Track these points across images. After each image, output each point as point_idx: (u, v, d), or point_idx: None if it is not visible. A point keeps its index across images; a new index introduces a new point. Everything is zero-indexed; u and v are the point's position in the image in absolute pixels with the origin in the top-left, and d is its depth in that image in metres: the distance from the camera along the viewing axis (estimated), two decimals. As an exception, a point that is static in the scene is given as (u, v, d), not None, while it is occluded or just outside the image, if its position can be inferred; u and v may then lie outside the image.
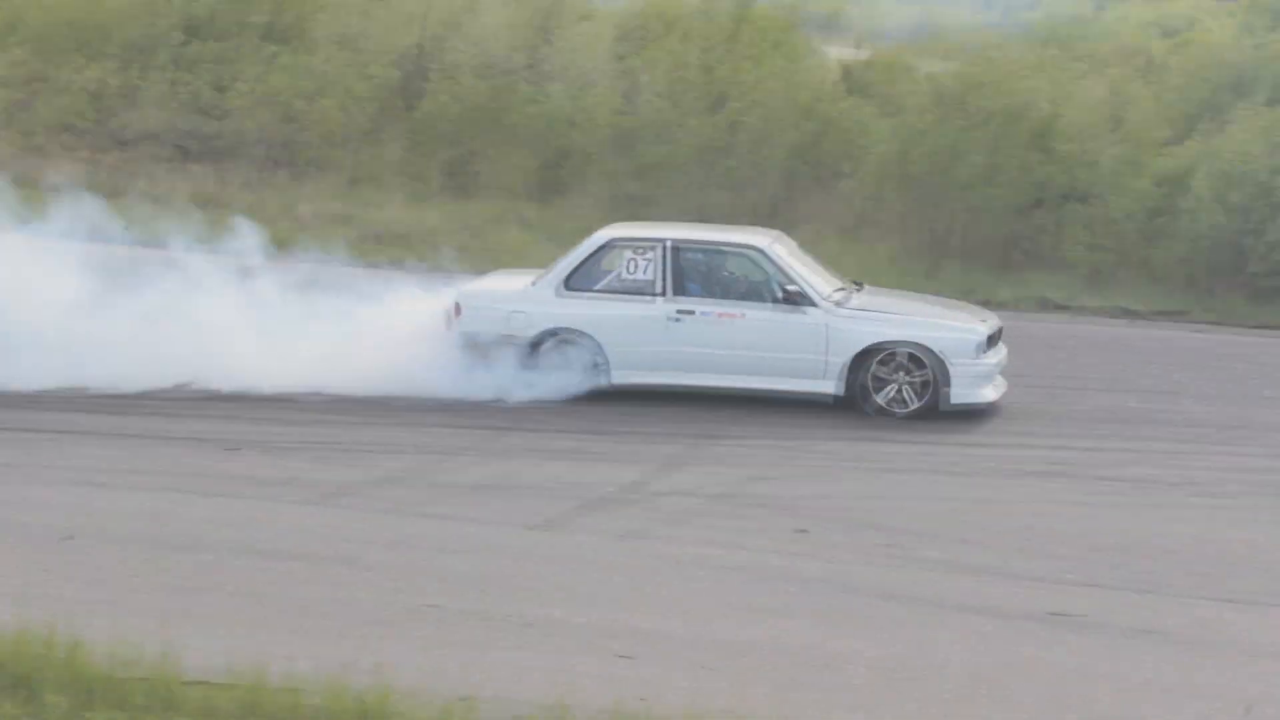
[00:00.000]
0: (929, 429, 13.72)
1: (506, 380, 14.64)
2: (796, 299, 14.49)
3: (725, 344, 14.59)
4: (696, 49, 23.34)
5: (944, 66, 23.56)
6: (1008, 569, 10.34)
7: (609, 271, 14.92)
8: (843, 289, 14.99)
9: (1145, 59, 24.11)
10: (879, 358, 14.30)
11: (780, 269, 14.71)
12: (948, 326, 14.74)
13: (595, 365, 14.68)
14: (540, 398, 14.51)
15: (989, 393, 14.54)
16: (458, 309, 14.84)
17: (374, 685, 7.21)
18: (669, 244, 14.84)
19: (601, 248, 15.04)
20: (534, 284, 15.07)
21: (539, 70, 23.86)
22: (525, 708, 7.37)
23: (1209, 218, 20.04)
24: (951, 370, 14.24)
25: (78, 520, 10.81)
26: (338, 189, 23.10)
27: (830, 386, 14.44)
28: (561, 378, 14.64)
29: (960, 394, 14.30)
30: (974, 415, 14.29)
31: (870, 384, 14.30)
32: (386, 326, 15.09)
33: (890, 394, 14.28)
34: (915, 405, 14.24)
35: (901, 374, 14.31)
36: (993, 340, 14.66)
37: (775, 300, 14.62)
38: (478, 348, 14.67)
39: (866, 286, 15.48)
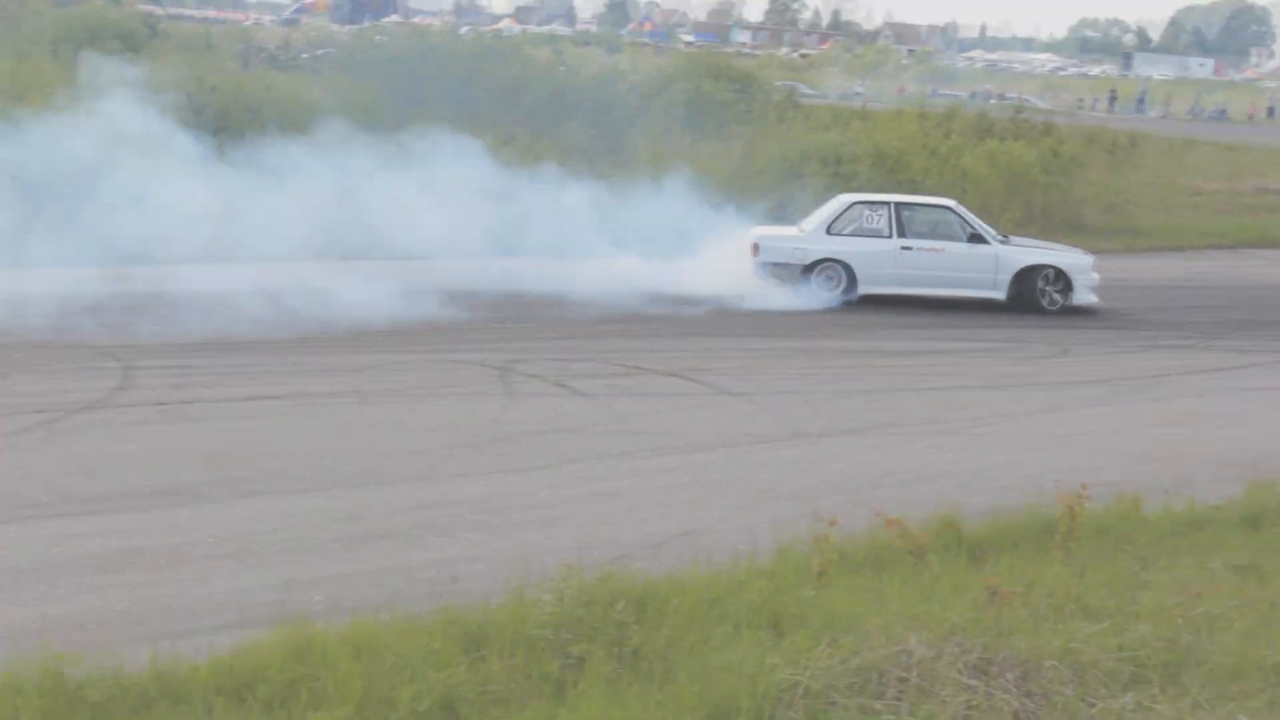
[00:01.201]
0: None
1: (788, 295, 22.30)
2: (977, 238, 22.84)
3: (933, 267, 22.74)
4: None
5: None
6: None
7: (853, 222, 22.87)
8: (998, 235, 23.41)
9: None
10: (1039, 274, 22.74)
11: (964, 219, 23.13)
12: (1071, 255, 23.47)
13: (846, 283, 22.62)
14: (809, 307, 22.06)
15: (1094, 298, 22.87)
16: (756, 248, 22.74)
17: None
18: (893, 204, 23.15)
19: (849, 207, 23.13)
20: (807, 229, 23.04)
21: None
22: None
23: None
24: (1075, 282, 22.75)
25: None
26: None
27: (1000, 294, 22.85)
28: (824, 291, 22.52)
29: (1080, 298, 22.74)
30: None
31: (1035, 291, 22.66)
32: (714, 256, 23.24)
33: (1045, 298, 22.68)
34: (1058, 305, 22.65)
35: (1048, 285, 22.72)
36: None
37: (963, 239, 22.84)
38: (772, 272, 22.60)
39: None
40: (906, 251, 22.64)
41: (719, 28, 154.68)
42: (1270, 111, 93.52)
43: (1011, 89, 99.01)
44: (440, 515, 11.08)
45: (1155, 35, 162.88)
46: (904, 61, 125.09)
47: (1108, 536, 10.37)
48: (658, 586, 8.50)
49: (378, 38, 51.78)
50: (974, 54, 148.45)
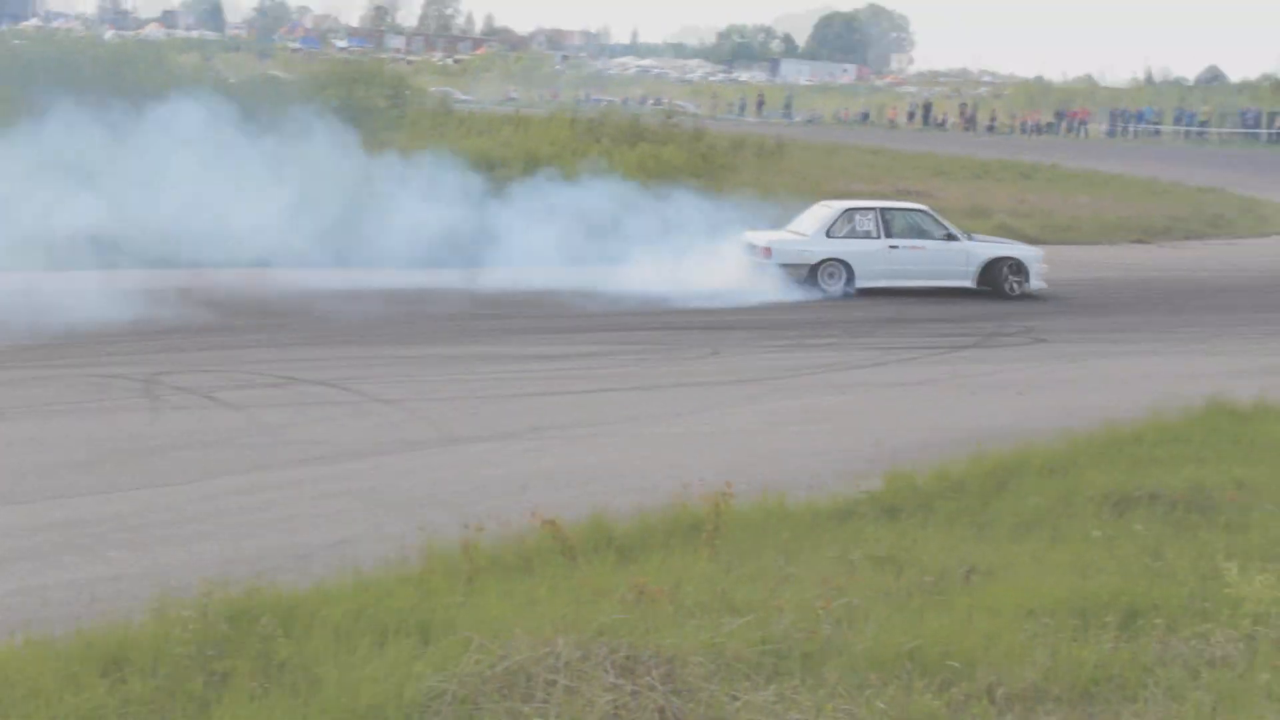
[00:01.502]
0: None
1: (797, 289, 25.43)
2: (950, 237, 26.64)
3: (916, 262, 26.30)
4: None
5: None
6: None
7: (847, 225, 26.24)
8: (965, 233, 27.35)
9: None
10: (1003, 265, 26.49)
11: (938, 220, 26.97)
12: (1026, 249, 27.57)
13: (846, 278, 25.82)
14: (814, 299, 25.26)
15: (1044, 284, 26.76)
16: (769, 250, 25.78)
17: None
18: (880, 209, 26.96)
19: (843, 212, 26.57)
20: (809, 234, 26.29)
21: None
22: None
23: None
24: (1030, 271, 26.62)
25: None
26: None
27: (971, 283, 26.52)
28: (828, 287, 25.74)
29: (1034, 284, 26.58)
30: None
31: (1001, 279, 26.31)
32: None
33: (1007, 284, 26.32)
34: (1018, 290, 26.35)
35: (1010, 274, 26.42)
36: None
37: (939, 238, 26.55)
38: (787, 270, 25.61)
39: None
40: (894, 250, 26.27)
41: (373, 33, 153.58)
42: (911, 115, 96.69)
43: (663, 94, 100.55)
44: (80, 534, 10.76)
45: (801, 41, 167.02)
46: (557, 68, 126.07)
47: (754, 532, 10.56)
48: (305, 598, 8.41)
49: (15, 41, 50.06)
50: (626, 60, 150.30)
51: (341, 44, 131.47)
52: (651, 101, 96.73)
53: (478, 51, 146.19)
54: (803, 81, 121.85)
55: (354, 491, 12.26)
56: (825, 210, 26.94)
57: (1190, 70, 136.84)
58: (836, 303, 25.00)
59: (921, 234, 26.48)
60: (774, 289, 25.17)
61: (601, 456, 13.84)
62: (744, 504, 10.92)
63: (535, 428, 14.92)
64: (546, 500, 11.50)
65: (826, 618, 8.33)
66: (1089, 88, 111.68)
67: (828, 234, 26.10)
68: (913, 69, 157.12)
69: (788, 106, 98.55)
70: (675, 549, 9.98)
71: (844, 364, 19.27)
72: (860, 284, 25.82)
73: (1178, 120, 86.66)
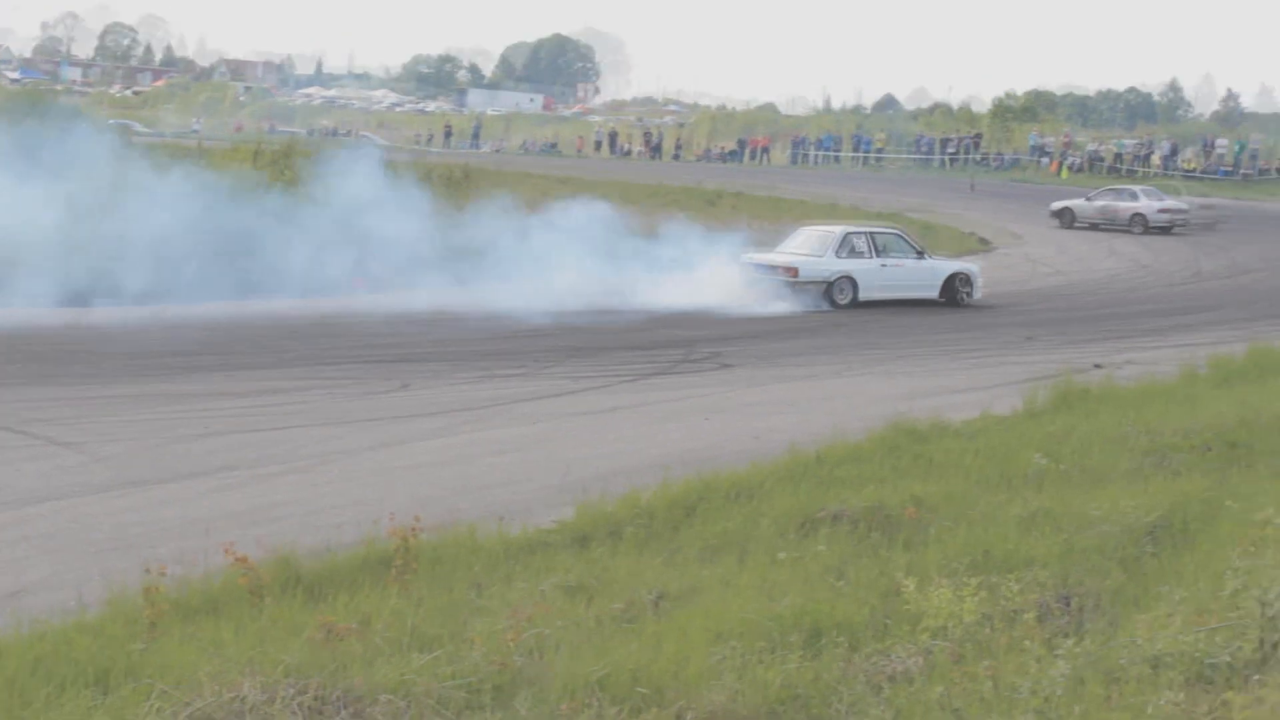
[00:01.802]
0: None
1: (815, 302, 29.69)
2: (920, 254, 31.28)
3: (900, 277, 30.77)
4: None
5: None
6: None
7: (848, 247, 30.52)
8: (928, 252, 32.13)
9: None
10: (957, 279, 31.20)
11: (909, 241, 31.67)
12: (970, 264, 33.11)
13: (853, 293, 30.19)
14: (826, 309, 29.56)
15: (981, 295, 31.39)
16: (795, 270, 29.85)
17: None
18: (871, 232, 31.34)
19: (845, 236, 30.87)
20: (822, 255, 30.34)
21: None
22: None
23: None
24: (976, 283, 31.41)
25: None
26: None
27: (935, 294, 31.02)
28: (840, 300, 29.93)
29: (978, 295, 31.30)
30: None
31: (955, 291, 31.01)
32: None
33: (960, 295, 31.01)
34: (968, 301, 31.10)
35: (962, 286, 31.12)
36: None
37: (913, 256, 31.08)
38: (808, 286, 29.75)
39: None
40: (884, 267, 30.61)
41: (48, 64, 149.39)
42: (598, 144, 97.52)
43: (349, 125, 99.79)
44: None
45: (488, 71, 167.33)
46: (240, 98, 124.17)
47: (445, 565, 10.50)
48: (-24, 652, 8.10)
49: None
50: (311, 90, 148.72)
51: (14, 76, 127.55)
52: (343, 132, 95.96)
53: (157, 83, 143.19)
54: (490, 111, 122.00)
55: (31, 538, 11.85)
56: (826, 233, 31.41)
57: (868, 98, 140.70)
58: (527, 334, 25.08)
59: (901, 253, 31.05)
60: (796, 304, 29.31)
61: (290, 494, 13.62)
62: (435, 538, 10.86)
63: (222, 467, 14.62)
64: (233, 540, 11.26)
65: (517, 649, 8.32)
66: (771, 116, 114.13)
67: (836, 254, 30.30)
68: (599, 99, 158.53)
69: (475, 136, 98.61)
70: (365, 586, 9.87)
71: (534, 394, 19.32)
72: (862, 297, 30.24)
73: (856, 147, 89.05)
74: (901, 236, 31.79)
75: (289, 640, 8.47)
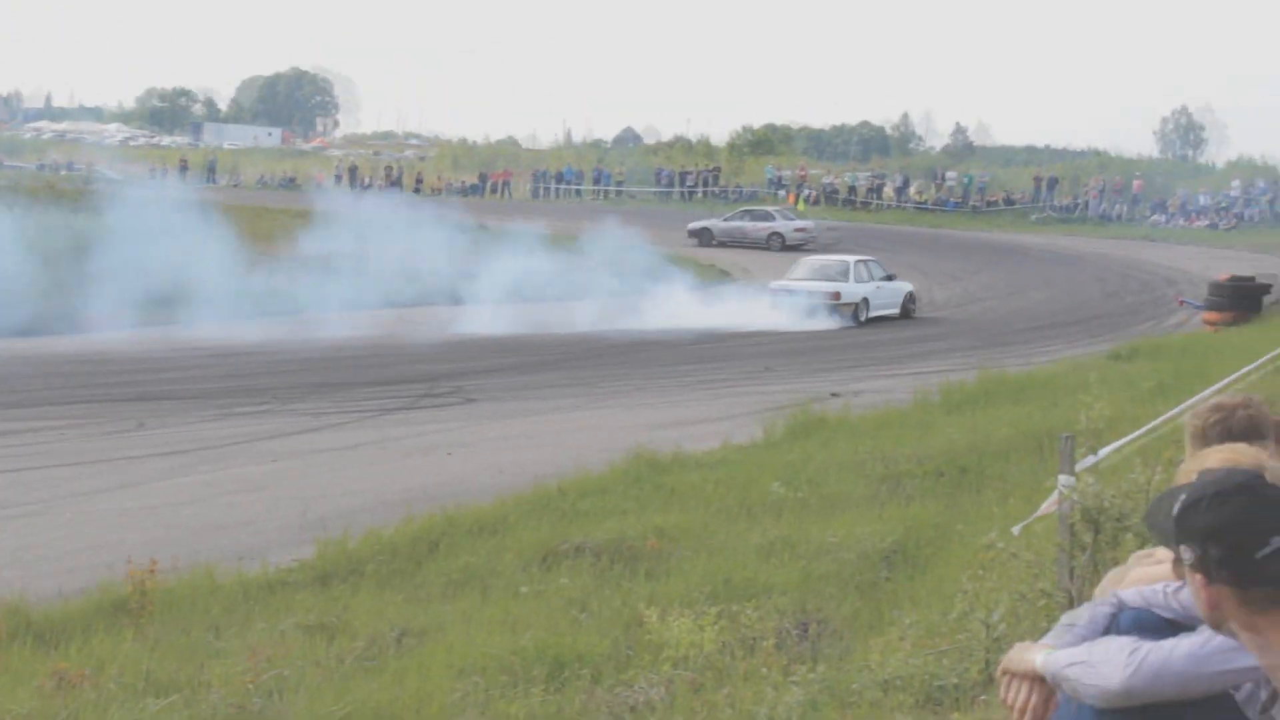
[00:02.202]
0: None
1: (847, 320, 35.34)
2: (890, 278, 37.72)
3: (884, 296, 36.89)
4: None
5: None
6: None
7: (857, 273, 36.64)
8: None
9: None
10: (908, 296, 37.98)
11: (882, 267, 38.14)
12: (910, 285, 39.12)
13: (866, 312, 35.92)
14: (850, 325, 34.97)
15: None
16: (838, 294, 35.68)
17: None
18: (865, 260, 37.85)
19: (854, 264, 37.14)
20: (848, 281, 36.12)
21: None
22: None
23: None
24: (917, 300, 38.46)
25: None
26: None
27: (898, 310, 37.08)
28: (862, 317, 35.62)
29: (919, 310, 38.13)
30: None
31: (908, 306, 37.52)
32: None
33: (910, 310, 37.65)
34: (914, 314, 37.42)
35: (911, 303, 37.68)
36: None
37: (886, 279, 37.37)
38: (844, 307, 35.50)
39: None
40: (879, 289, 36.78)
41: None
42: (338, 178, 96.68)
43: (82, 159, 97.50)
44: None
45: (224, 105, 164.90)
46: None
47: (182, 608, 10.32)
48: None
49: None
50: (40, 124, 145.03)
51: None
52: (76, 167, 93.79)
53: None
54: (226, 145, 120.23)
55: None
56: (842, 262, 37.85)
57: (608, 132, 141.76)
58: (265, 369, 24.76)
59: (882, 277, 37.36)
60: (833, 321, 34.94)
61: (21, 539, 13.25)
62: (172, 580, 10.66)
63: (-55, 513, 14.18)
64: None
65: (256, 691, 8.20)
66: (512, 149, 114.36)
67: (855, 280, 36.36)
68: (339, 133, 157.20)
69: (212, 170, 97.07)
70: (99, 631, 9.65)
71: (275, 431, 19.07)
72: (872, 314, 36.10)
73: (596, 180, 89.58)
74: (878, 263, 38.25)
75: (18, 690, 8.24)
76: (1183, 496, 3.58)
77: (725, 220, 60.95)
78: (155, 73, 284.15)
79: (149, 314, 30.16)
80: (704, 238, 58.90)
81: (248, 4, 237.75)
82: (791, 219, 61.07)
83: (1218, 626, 3.57)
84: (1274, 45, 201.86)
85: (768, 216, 60.74)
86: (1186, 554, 3.53)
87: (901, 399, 20.75)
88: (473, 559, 11.69)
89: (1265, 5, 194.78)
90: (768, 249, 56.30)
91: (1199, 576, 3.53)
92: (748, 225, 59.46)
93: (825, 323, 34.74)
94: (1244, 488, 3.52)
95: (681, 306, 36.20)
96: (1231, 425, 4.82)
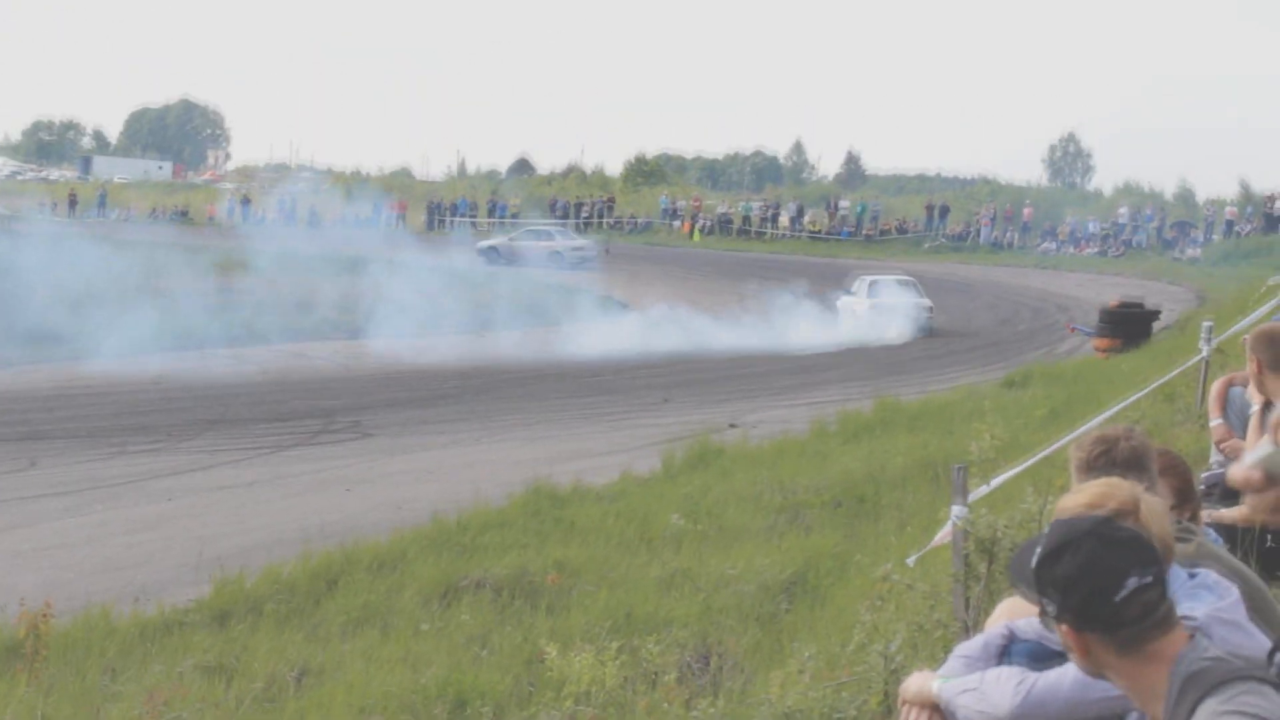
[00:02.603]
0: None
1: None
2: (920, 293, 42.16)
3: (925, 310, 40.80)
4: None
5: None
6: None
7: (917, 288, 42.30)
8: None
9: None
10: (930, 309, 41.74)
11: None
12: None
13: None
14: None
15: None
16: (931, 307, 41.03)
17: None
18: (913, 280, 43.22)
19: (914, 281, 43.13)
20: (922, 296, 41.57)
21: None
22: None
23: None
24: (933, 313, 42.03)
25: None
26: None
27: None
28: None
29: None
30: None
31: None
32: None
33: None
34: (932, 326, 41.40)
35: (927, 313, 41.40)
36: None
37: (920, 293, 42.12)
38: (926, 320, 40.60)
39: None
40: (919, 303, 40.82)
41: None
42: (230, 211, 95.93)
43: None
44: None
45: (113, 138, 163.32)
46: None
47: (78, 651, 10.20)
48: None
49: None
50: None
51: None
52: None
53: None
54: (117, 179, 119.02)
55: None
56: (906, 280, 42.97)
57: (501, 162, 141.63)
58: (159, 406, 24.54)
59: (920, 292, 41.46)
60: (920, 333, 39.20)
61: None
62: (67, 622, 10.54)
63: None
64: None
65: (154, 734, 8.13)
66: (407, 181, 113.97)
67: (922, 295, 41.29)
68: (230, 165, 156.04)
69: (101, 204, 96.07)
70: (-8, 676, 9.52)
71: (169, 469, 18.89)
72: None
73: (491, 211, 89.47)
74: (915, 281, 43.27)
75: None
76: (1038, 549, 3.65)
77: (511, 239, 65.47)
78: (42, 105, 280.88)
79: (37, 350, 29.84)
80: (491, 256, 62.40)
81: (137, 36, 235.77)
82: (570, 239, 65.77)
83: (1093, 671, 3.63)
84: (1158, 72, 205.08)
85: (548, 235, 65.34)
86: (1049, 606, 3.60)
87: (799, 429, 20.86)
88: (372, 596, 11.64)
89: (1150, 34, 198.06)
90: (549, 266, 59.03)
91: (1064, 626, 3.60)
92: (531, 244, 63.39)
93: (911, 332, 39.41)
94: (1092, 534, 3.60)
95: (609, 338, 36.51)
96: (1115, 456, 4.91)
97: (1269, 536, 7.01)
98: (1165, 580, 3.63)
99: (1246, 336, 8.44)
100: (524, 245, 63.19)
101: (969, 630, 6.91)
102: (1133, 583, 3.51)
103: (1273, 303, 18.87)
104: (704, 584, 11.41)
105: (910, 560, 8.41)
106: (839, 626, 9.26)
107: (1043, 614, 3.68)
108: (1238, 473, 6.59)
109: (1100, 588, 3.52)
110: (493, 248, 63.52)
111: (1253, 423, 7.64)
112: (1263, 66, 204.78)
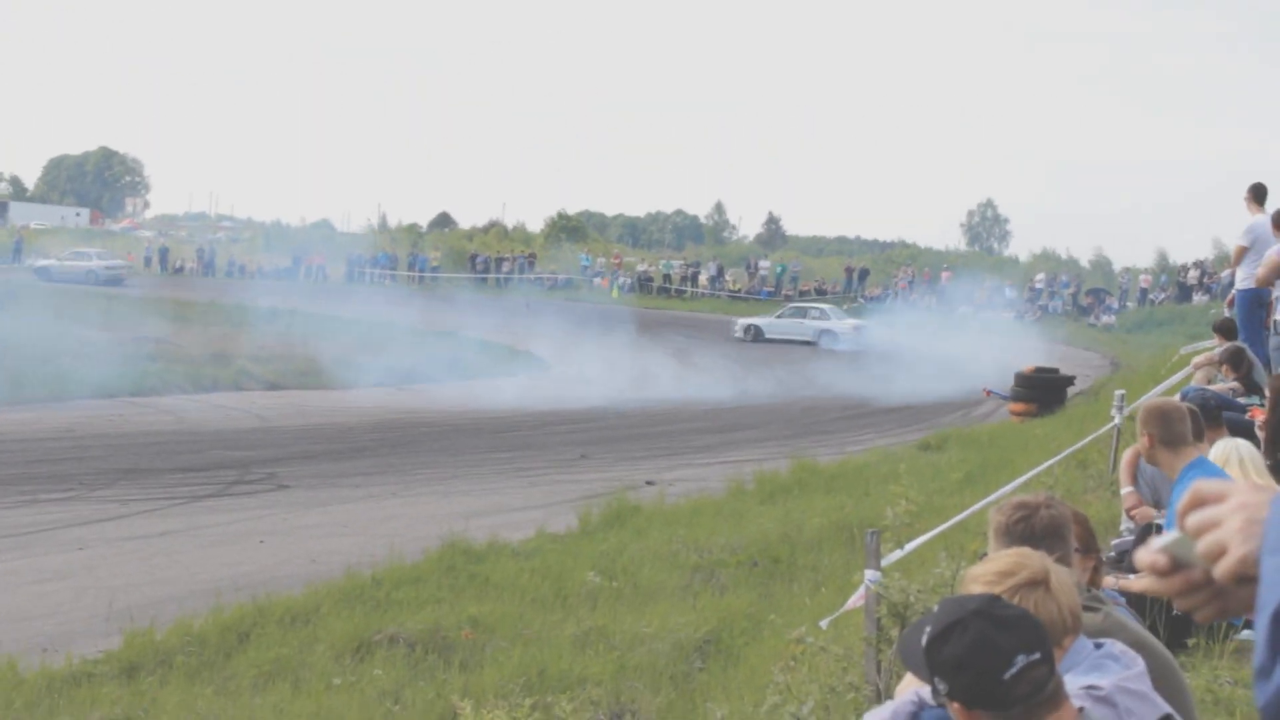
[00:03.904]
0: None
1: None
2: None
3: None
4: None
5: None
6: None
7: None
8: None
9: None
10: None
11: None
12: None
13: None
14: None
15: None
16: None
17: None
18: None
19: None
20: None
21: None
22: None
23: None
24: None
25: None
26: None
27: None
28: None
29: None
30: None
31: None
32: None
33: None
34: None
35: None
36: None
37: None
38: None
39: None
40: None
41: None
42: (148, 260, 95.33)
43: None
44: None
45: (30, 184, 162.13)
46: None
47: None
48: None
49: None
50: None
51: None
52: None
53: None
54: (33, 225, 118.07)
55: None
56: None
57: (423, 216, 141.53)
58: (71, 454, 24.30)
59: None
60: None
61: None
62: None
63: None
64: None
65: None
66: (327, 233, 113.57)
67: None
68: (149, 213, 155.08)
69: (18, 251, 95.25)
70: (-106, 728, 9.40)
71: (80, 519, 18.70)
72: None
73: (411, 265, 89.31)
74: None
75: None
76: (927, 629, 3.71)
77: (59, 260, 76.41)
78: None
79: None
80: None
81: (56, 83, 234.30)
82: (111, 259, 78.09)
83: None
84: (1074, 153, 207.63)
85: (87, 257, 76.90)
86: (941, 685, 3.66)
87: (716, 488, 20.90)
88: (284, 650, 11.57)
89: (1069, 115, 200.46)
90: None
91: (956, 705, 3.65)
92: (75, 263, 74.39)
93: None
94: (980, 613, 3.66)
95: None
96: (1034, 524, 4.98)
97: (1174, 605, 7.12)
98: (1053, 657, 3.69)
99: (1140, 411, 8.56)
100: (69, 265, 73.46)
101: (880, 694, 6.96)
102: (1020, 660, 3.57)
103: (1183, 372, 19.12)
104: (618, 642, 11.41)
105: (824, 623, 8.46)
106: (752, 687, 9.29)
107: (935, 693, 3.73)
108: (1144, 557, 6.69)
109: (989, 667, 3.57)
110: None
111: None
112: (1173, 152, 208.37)
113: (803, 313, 60.67)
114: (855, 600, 8.06)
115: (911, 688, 4.61)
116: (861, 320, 60.59)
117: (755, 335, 58.70)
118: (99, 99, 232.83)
